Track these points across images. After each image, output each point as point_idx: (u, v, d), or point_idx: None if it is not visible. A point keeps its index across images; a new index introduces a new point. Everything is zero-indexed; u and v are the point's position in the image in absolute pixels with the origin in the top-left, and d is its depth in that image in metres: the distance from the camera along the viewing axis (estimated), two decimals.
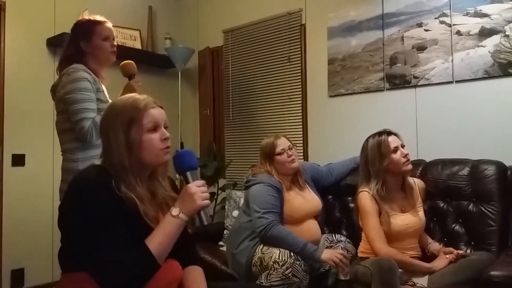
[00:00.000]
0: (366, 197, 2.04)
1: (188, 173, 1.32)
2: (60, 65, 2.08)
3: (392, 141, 2.06)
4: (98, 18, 2.11)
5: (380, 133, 2.10)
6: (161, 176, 1.38)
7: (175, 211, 1.24)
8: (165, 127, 1.34)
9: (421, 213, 2.09)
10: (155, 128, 1.29)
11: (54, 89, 2.07)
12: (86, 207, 1.17)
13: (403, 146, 2.08)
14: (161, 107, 1.35)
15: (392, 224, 2.00)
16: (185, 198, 1.26)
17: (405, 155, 2.04)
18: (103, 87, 2.19)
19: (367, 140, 2.14)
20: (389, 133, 2.09)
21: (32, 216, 2.99)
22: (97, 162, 1.33)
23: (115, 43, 2.13)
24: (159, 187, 1.36)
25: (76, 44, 2.06)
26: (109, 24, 2.13)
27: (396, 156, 2.03)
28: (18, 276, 2.93)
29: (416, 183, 2.18)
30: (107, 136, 1.30)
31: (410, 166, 2.06)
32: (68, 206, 1.22)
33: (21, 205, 2.95)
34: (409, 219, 2.05)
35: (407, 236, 2.04)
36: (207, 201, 1.27)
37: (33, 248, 2.98)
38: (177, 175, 1.41)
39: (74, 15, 3.27)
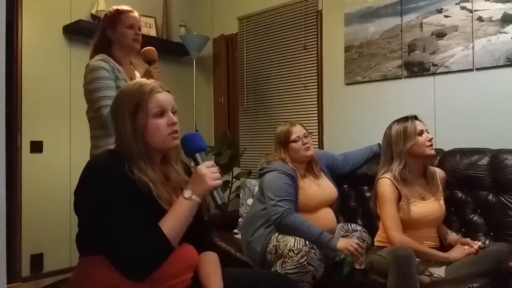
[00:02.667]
0: (386, 183, 2.02)
1: (197, 155, 1.32)
2: (90, 55, 2.15)
3: (419, 124, 2.07)
4: (125, 7, 2.18)
5: (406, 118, 2.10)
6: (173, 160, 1.38)
7: (187, 193, 1.25)
8: (173, 112, 1.33)
9: (441, 202, 2.07)
10: (162, 113, 1.29)
11: None
12: (99, 190, 1.18)
13: (428, 132, 2.08)
14: (168, 92, 1.34)
15: (411, 212, 1.98)
16: (196, 179, 1.26)
17: (430, 139, 2.04)
18: (137, 74, 2.26)
19: (390, 126, 2.13)
20: (416, 117, 2.10)
21: (51, 202, 3.03)
22: (111, 147, 1.34)
23: (139, 32, 2.18)
24: (172, 171, 1.37)
25: (104, 33, 2.14)
26: (135, 14, 2.20)
27: (422, 138, 2.03)
28: (37, 260, 2.99)
29: (437, 172, 2.15)
30: (116, 122, 1.31)
31: (433, 151, 2.05)
32: (82, 190, 1.24)
33: (39, 191, 3.00)
34: (429, 207, 2.02)
35: (426, 225, 2.02)
36: (219, 181, 1.28)
37: (52, 234, 3.03)
38: (192, 163, 1.40)
39: (89, 2, 3.30)
